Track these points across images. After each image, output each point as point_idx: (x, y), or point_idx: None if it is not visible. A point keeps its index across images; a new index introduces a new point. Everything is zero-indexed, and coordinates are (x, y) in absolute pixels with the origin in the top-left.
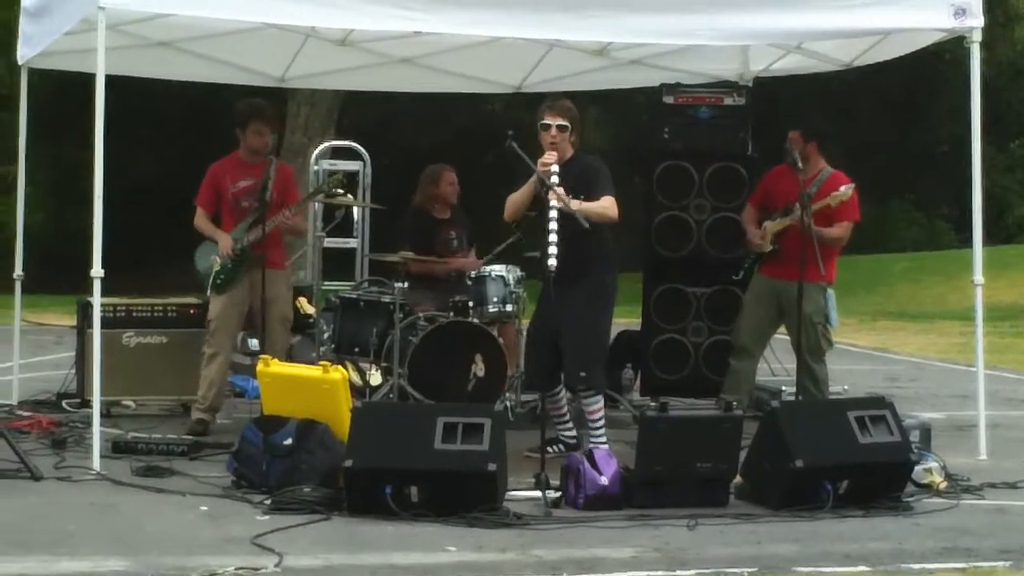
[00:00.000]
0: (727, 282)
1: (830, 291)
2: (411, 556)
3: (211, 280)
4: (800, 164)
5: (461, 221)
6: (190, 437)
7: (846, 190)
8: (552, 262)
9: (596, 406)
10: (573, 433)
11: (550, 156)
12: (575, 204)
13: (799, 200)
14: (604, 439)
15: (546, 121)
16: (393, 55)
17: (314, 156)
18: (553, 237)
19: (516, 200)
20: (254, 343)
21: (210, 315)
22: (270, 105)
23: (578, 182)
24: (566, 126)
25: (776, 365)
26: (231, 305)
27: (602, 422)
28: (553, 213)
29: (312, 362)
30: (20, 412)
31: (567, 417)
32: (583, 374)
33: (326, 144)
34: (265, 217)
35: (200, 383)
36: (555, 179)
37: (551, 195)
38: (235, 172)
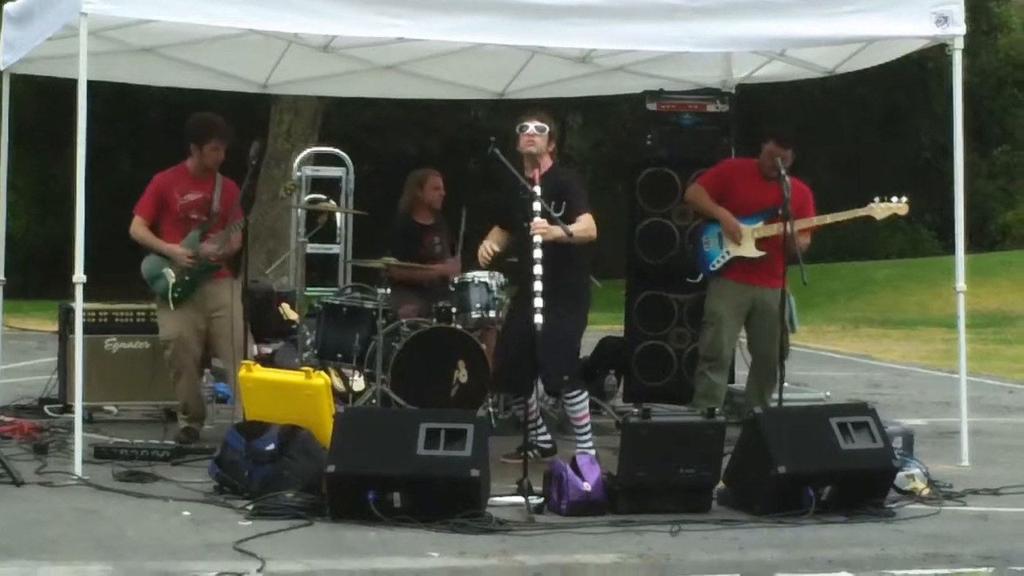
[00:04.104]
0: None
1: (791, 296)
2: (394, 561)
3: (168, 293)
4: (786, 178)
5: (444, 228)
6: (173, 443)
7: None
8: (538, 286)
9: (583, 411)
10: (548, 437)
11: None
12: (555, 234)
13: (782, 210)
14: (591, 444)
15: (524, 123)
16: (376, 62)
17: (297, 162)
18: (538, 269)
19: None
20: None
21: (167, 333)
22: (224, 120)
23: (554, 197)
24: (544, 127)
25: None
26: (188, 322)
27: (588, 426)
28: (537, 239)
29: (295, 368)
30: (2, 417)
31: (541, 422)
32: (566, 378)
33: (309, 150)
34: (215, 230)
35: (177, 398)
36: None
37: (534, 226)
38: (183, 185)
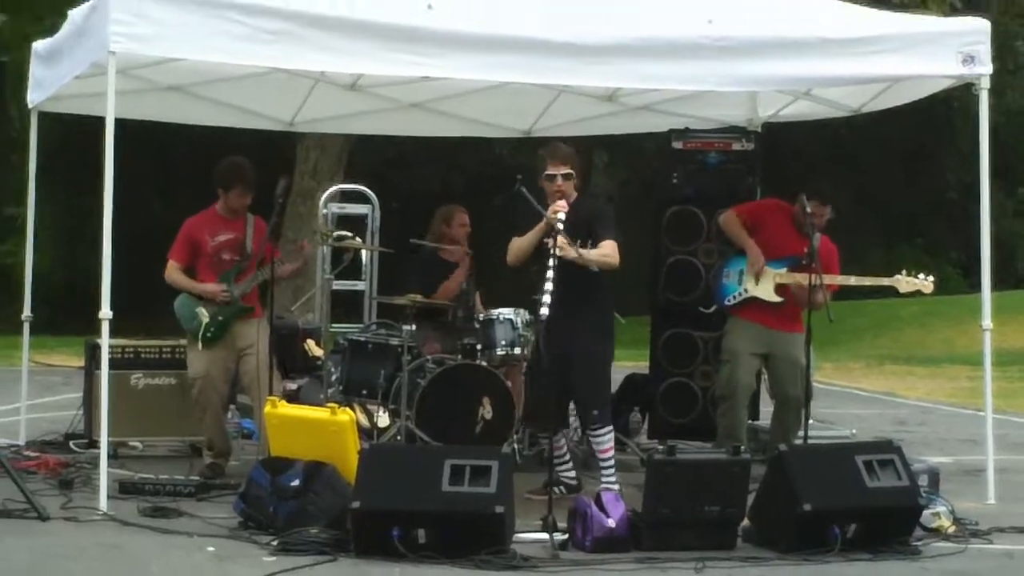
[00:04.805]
0: None
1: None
2: None
3: (201, 333)
4: (815, 232)
5: (468, 264)
6: (198, 478)
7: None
8: (544, 311)
9: (608, 445)
10: (573, 474)
11: (560, 205)
12: (573, 253)
13: (808, 258)
14: (615, 479)
15: (550, 172)
16: (402, 100)
17: (323, 200)
18: (549, 286)
19: (521, 245)
20: None
21: (195, 371)
22: (252, 166)
23: (582, 225)
24: (571, 174)
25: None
26: (216, 361)
27: (612, 460)
28: (552, 262)
29: (320, 404)
30: (27, 452)
31: (567, 458)
32: (595, 412)
33: (335, 188)
34: (249, 270)
35: (203, 434)
36: (560, 226)
37: (557, 242)
38: (213, 226)
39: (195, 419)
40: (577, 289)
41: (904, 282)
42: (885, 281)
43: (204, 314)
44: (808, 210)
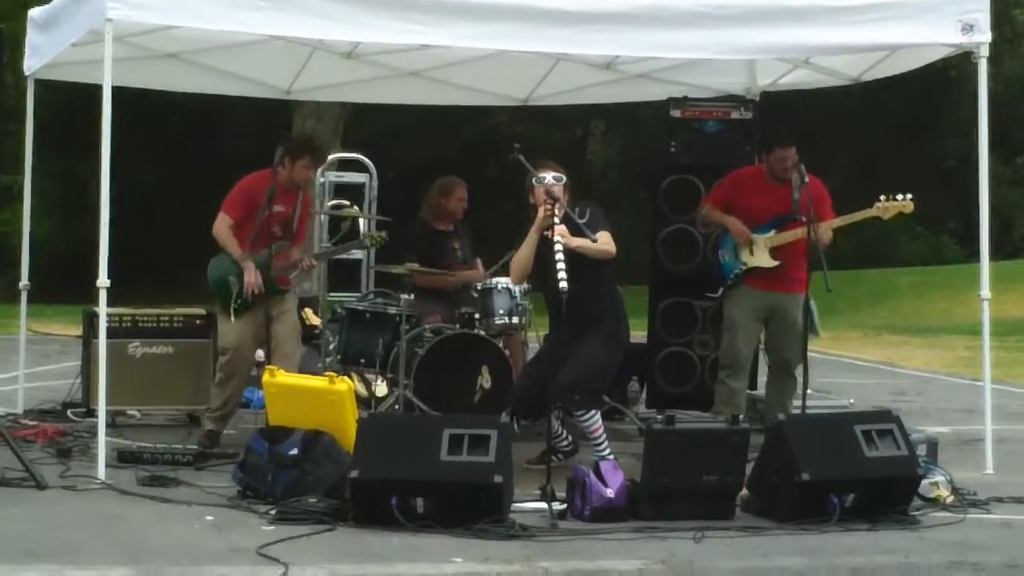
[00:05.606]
0: None
1: (812, 300)
2: (417, 567)
3: (231, 304)
4: (806, 179)
5: (464, 234)
6: (196, 447)
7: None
8: (563, 285)
9: (595, 425)
10: (568, 440)
11: (550, 204)
12: (575, 242)
13: (805, 214)
14: (609, 451)
15: (542, 174)
16: (400, 68)
17: (320, 168)
18: (561, 265)
19: (520, 259)
20: (259, 354)
21: (226, 342)
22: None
23: (575, 226)
24: (562, 177)
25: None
26: (248, 333)
27: (603, 436)
28: (557, 247)
29: (318, 373)
30: (25, 421)
31: (560, 431)
32: (577, 397)
33: (332, 156)
34: (290, 251)
35: (213, 397)
36: (557, 220)
37: (556, 231)
38: (273, 194)
39: (216, 383)
40: (588, 298)
41: (883, 208)
42: (868, 212)
43: (235, 284)
44: (785, 161)
